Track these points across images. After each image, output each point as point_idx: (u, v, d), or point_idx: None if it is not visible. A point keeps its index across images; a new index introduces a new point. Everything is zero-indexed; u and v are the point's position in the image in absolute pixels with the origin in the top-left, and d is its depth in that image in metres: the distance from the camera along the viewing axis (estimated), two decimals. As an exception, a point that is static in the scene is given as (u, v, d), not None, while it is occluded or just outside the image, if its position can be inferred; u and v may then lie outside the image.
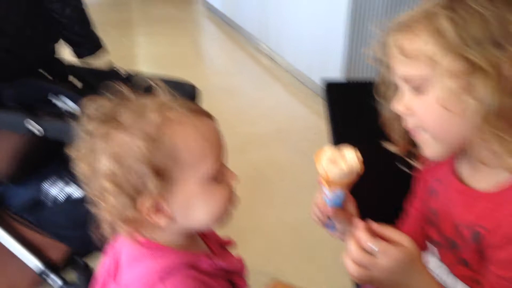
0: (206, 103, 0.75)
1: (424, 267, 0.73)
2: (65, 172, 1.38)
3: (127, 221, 0.69)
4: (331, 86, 0.93)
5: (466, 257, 0.80)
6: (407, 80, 0.74)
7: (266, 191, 2.38)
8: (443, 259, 0.86)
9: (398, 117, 0.81)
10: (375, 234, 0.69)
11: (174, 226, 0.72)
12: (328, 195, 0.81)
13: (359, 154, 0.77)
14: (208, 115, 0.74)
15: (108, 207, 0.68)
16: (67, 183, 1.34)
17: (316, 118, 3.07)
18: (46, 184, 1.37)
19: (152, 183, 0.66)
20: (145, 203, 0.67)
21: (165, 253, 0.71)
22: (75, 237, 1.34)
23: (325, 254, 1.91)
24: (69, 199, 1.31)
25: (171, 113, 0.69)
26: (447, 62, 0.68)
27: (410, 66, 0.72)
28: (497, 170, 0.74)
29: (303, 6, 3.45)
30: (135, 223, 0.69)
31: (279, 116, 3.17)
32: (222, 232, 0.87)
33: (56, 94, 1.43)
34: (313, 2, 3.30)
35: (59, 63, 1.69)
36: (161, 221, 0.70)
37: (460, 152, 0.80)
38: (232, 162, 0.75)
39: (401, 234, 0.70)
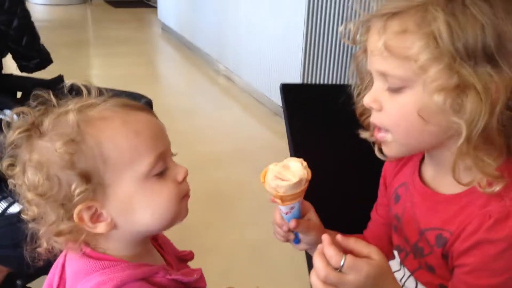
0: (163, 122, 0.71)
1: (395, 280, 0.69)
2: (3, 186, 1.29)
3: (65, 233, 0.63)
4: (288, 88, 0.92)
5: (432, 263, 0.77)
6: (385, 76, 0.69)
7: (225, 210, 2.34)
8: (408, 266, 0.84)
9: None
10: (341, 248, 0.65)
11: (119, 234, 0.66)
12: (284, 211, 0.79)
13: (303, 161, 0.75)
14: (144, 109, 0.68)
15: (43, 221, 0.64)
16: (4, 198, 1.25)
17: (275, 138, 3.07)
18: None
19: (81, 189, 0.61)
20: (79, 212, 0.62)
21: (116, 265, 0.65)
22: (13, 257, 1.24)
23: (286, 273, 1.88)
24: (4, 213, 1.22)
25: (94, 111, 0.64)
26: (437, 73, 0.63)
27: (394, 65, 0.67)
28: (464, 177, 0.71)
29: (261, 26, 3.48)
30: (76, 235, 0.64)
31: (238, 135, 3.15)
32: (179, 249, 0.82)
33: (1, 108, 1.35)
34: (271, 22, 3.33)
35: (7, 79, 1.61)
36: (101, 229, 0.64)
37: (425, 155, 0.79)
38: (190, 181, 0.70)
39: (369, 246, 0.66)
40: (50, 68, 1.67)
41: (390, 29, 0.66)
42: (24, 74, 1.63)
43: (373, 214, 0.97)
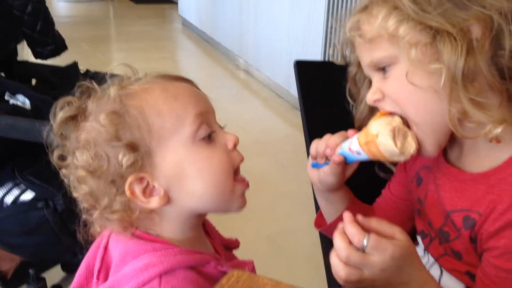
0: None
1: (421, 262, 0.64)
2: (21, 178, 1.28)
3: (119, 210, 0.61)
4: (302, 65, 0.87)
5: (458, 248, 0.72)
6: (375, 66, 0.69)
7: (242, 203, 2.30)
8: (432, 253, 0.78)
9: (370, 116, 0.75)
10: (363, 228, 0.60)
11: (172, 211, 0.63)
12: (353, 149, 0.72)
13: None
14: (184, 79, 0.68)
15: (97, 205, 0.62)
16: (16, 185, 1.23)
17: (294, 131, 3.03)
18: (0, 192, 1.27)
19: (128, 158, 0.59)
20: (130, 184, 0.60)
21: (168, 249, 0.62)
22: (26, 246, 1.22)
23: (304, 266, 1.84)
24: (16, 201, 1.20)
25: (135, 84, 0.64)
26: (409, 33, 0.64)
27: (375, 49, 0.68)
28: (489, 150, 0.67)
29: (280, 20, 3.44)
30: (129, 213, 0.61)
31: (257, 128, 3.12)
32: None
33: (13, 93, 1.34)
34: (291, 16, 3.29)
35: (23, 66, 1.60)
36: (155, 203, 0.62)
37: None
38: None
39: (392, 226, 0.61)
40: (68, 58, 1.65)
41: (361, 20, 0.70)
42: (39, 61, 1.62)
43: (384, 191, 0.92)
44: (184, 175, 0.62)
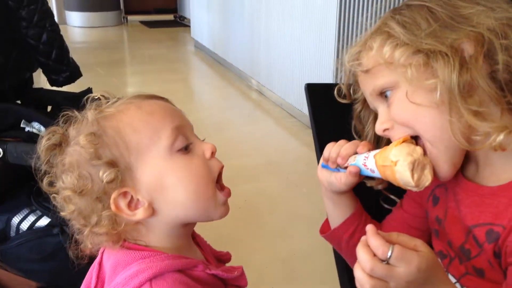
0: (197, 136, 0.73)
1: (445, 273, 0.64)
2: (37, 204, 1.30)
3: (105, 225, 0.63)
4: (313, 88, 0.88)
5: (481, 265, 0.71)
6: (377, 92, 0.73)
7: (256, 224, 2.29)
8: (453, 273, 0.77)
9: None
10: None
11: (158, 222, 0.66)
12: (368, 166, 0.74)
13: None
14: (158, 97, 0.71)
15: (87, 223, 0.65)
16: (32, 212, 1.25)
17: (307, 151, 3.02)
18: (16, 219, 1.28)
19: (108, 174, 0.62)
20: (115, 200, 0.63)
21: (155, 255, 0.64)
22: (42, 271, 1.23)
23: (318, 288, 1.82)
24: (32, 227, 1.22)
25: (111, 107, 0.67)
26: (403, 56, 0.67)
27: (375, 77, 0.72)
28: (504, 163, 0.69)
29: (292, 40, 3.46)
30: (116, 226, 0.64)
31: (270, 148, 3.12)
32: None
33: (29, 120, 1.36)
34: (302, 36, 3.32)
35: (38, 93, 1.63)
36: (140, 215, 0.64)
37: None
38: None
39: (413, 238, 0.61)
40: (83, 84, 1.68)
41: (359, 52, 0.75)
42: (54, 88, 1.65)
43: (396, 209, 0.91)
44: (165, 186, 0.64)
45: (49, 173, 0.67)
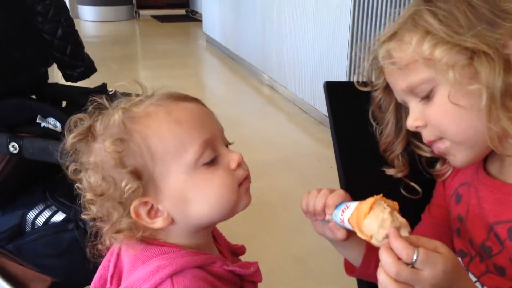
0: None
1: (467, 275, 0.63)
2: (52, 199, 1.30)
3: (124, 230, 0.63)
4: (332, 86, 0.87)
5: (502, 263, 0.70)
6: (412, 90, 0.70)
7: (268, 220, 2.29)
8: (473, 271, 0.77)
9: (395, 140, 0.78)
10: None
11: (177, 228, 0.65)
12: (346, 226, 0.70)
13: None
14: (188, 98, 0.67)
15: (107, 219, 0.65)
16: (48, 207, 1.25)
17: (319, 146, 3.01)
18: (32, 214, 1.29)
19: (131, 186, 0.61)
20: (135, 208, 0.62)
21: (175, 251, 0.64)
22: (58, 267, 1.24)
23: (332, 286, 1.81)
24: (47, 223, 1.22)
25: (140, 108, 0.65)
26: (446, 56, 0.65)
27: (410, 74, 0.69)
28: None
29: (305, 35, 3.44)
30: (134, 232, 0.64)
31: (282, 144, 3.11)
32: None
33: (45, 116, 1.36)
34: (315, 31, 3.29)
35: (53, 88, 1.63)
36: (159, 224, 0.64)
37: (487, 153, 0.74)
38: None
39: (432, 240, 0.60)
40: (97, 79, 1.68)
41: (392, 47, 0.70)
42: (69, 83, 1.65)
43: (424, 215, 0.90)
44: (187, 200, 0.64)
45: (75, 161, 0.66)
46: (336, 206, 0.72)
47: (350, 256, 0.86)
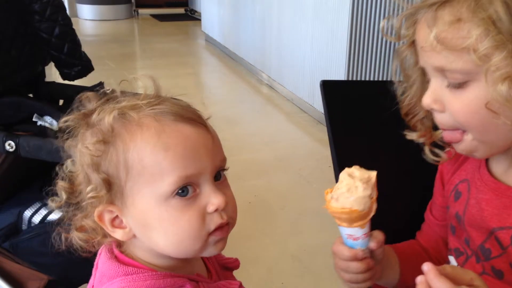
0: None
1: None
2: (44, 193, 1.30)
3: (85, 229, 0.62)
4: (329, 85, 0.87)
5: (500, 267, 0.69)
6: (443, 72, 0.63)
7: (266, 219, 2.29)
8: None
9: (420, 102, 0.70)
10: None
11: (141, 243, 0.62)
12: (359, 235, 0.67)
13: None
14: (192, 121, 0.61)
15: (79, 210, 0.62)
16: (44, 205, 1.25)
17: (318, 146, 3.01)
18: (28, 212, 1.29)
19: (98, 193, 0.58)
20: (100, 212, 0.60)
21: (140, 273, 0.61)
22: (54, 265, 1.24)
23: (329, 285, 1.81)
24: (44, 221, 1.22)
25: (137, 114, 0.60)
26: (500, 61, 0.58)
27: (451, 58, 0.61)
28: None
29: (303, 35, 3.44)
30: (94, 234, 0.62)
31: (280, 143, 3.11)
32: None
33: (41, 114, 1.36)
34: (314, 31, 3.29)
35: (50, 87, 1.63)
36: (119, 235, 0.61)
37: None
38: (232, 190, 0.65)
39: (467, 271, 0.58)
40: (94, 77, 1.68)
41: (442, 20, 0.61)
42: (66, 82, 1.65)
43: (427, 215, 0.88)
44: (150, 226, 0.60)
45: (71, 134, 0.63)
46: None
47: (387, 280, 0.81)
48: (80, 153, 0.61)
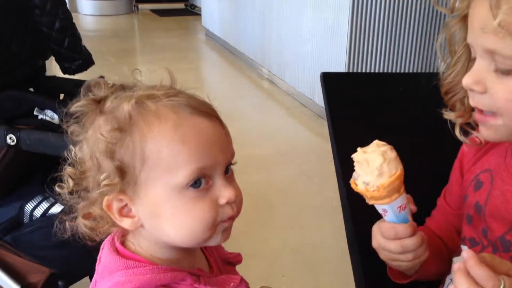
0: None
1: None
2: (50, 191, 1.30)
3: (93, 217, 0.62)
4: (329, 77, 0.86)
5: None
6: (493, 55, 0.61)
7: (267, 214, 2.30)
8: None
9: (460, 81, 0.68)
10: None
11: (147, 234, 0.63)
12: (405, 201, 0.66)
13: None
14: (208, 115, 0.62)
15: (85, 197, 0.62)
16: (46, 199, 1.25)
17: (319, 140, 3.01)
18: (30, 205, 1.29)
19: (112, 181, 0.58)
20: (109, 200, 0.60)
21: (140, 267, 0.61)
22: (56, 258, 1.24)
23: (330, 278, 1.82)
24: (45, 214, 1.23)
25: (154, 104, 0.60)
26: None
27: (509, 44, 0.58)
28: None
29: (304, 29, 3.43)
30: (102, 223, 0.62)
31: (281, 138, 3.12)
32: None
33: (42, 108, 1.37)
34: (314, 25, 3.29)
35: (51, 81, 1.63)
36: (126, 224, 0.61)
37: None
38: None
39: (505, 261, 0.56)
40: (95, 72, 1.68)
41: (508, 4, 0.57)
42: (67, 76, 1.65)
43: (440, 201, 0.87)
44: (161, 216, 0.60)
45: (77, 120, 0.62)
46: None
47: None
48: (93, 140, 0.60)
